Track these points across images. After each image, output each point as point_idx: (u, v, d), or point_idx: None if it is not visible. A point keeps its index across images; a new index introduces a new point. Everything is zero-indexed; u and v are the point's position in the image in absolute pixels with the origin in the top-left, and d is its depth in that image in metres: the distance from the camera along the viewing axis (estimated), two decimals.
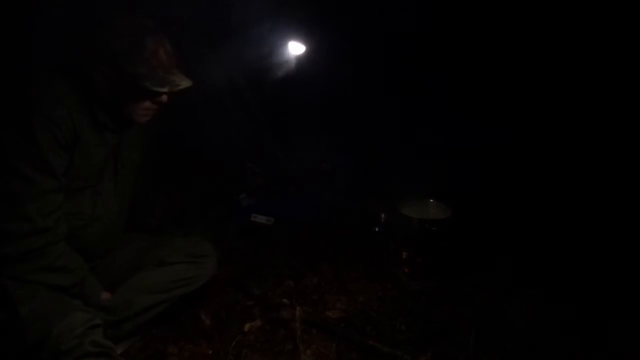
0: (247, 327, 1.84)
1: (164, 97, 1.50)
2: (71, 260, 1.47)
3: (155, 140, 1.86)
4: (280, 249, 2.46)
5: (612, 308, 1.87)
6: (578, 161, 2.45)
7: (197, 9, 2.41)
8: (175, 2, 2.25)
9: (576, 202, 2.38)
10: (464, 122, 2.64)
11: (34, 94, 1.36)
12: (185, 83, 1.50)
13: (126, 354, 1.65)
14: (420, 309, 1.96)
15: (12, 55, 1.80)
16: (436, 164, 2.58)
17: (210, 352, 1.72)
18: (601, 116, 2.37)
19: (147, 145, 1.77)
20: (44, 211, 1.34)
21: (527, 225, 2.37)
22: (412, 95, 2.82)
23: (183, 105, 1.66)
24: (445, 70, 2.72)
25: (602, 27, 2.27)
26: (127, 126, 1.57)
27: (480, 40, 2.65)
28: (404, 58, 2.83)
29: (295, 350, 1.71)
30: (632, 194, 2.24)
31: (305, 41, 2.85)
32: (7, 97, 1.38)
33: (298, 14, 2.74)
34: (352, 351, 1.72)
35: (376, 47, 2.87)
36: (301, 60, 2.92)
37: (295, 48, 2.85)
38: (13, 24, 1.82)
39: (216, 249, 1.90)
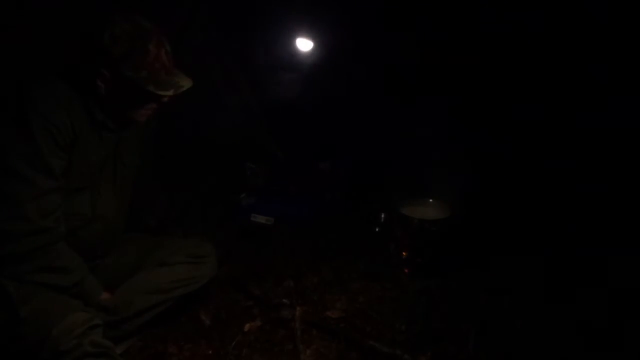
0: (247, 327, 1.84)
1: (166, 98, 1.50)
2: (71, 260, 1.46)
3: (154, 139, 1.86)
4: (280, 249, 2.46)
5: (613, 308, 1.86)
6: (578, 161, 2.45)
7: (197, 8, 2.41)
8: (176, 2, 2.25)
9: (576, 202, 2.38)
10: (463, 124, 2.64)
11: (32, 94, 1.36)
12: (187, 83, 1.51)
13: (126, 354, 1.65)
14: (420, 309, 1.95)
15: (11, 55, 1.79)
16: (436, 164, 2.58)
17: (210, 352, 1.72)
18: (599, 118, 2.37)
19: (146, 145, 1.77)
20: (43, 211, 1.34)
21: (527, 225, 2.37)
22: (412, 95, 2.82)
23: (182, 104, 1.66)
24: (445, 73, 2.72)
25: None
26: (126, 125, 1.57)
27: (482, 43, 2.65)
28: (404, 57, 2.83)
29: (295, 350, 1.71)
30: (629, 193, 2.24)
31: (309, 38, 2.85)
32: (6, 97, 1.38)
33: (300, 11, 2.74)
34: (352, 351, 1.72)
35: (376, 46, 2.87)
36: (302, 58, 2.91)
37: (300, 45, 2.84)
38: (13, 24, 1.82)
39: (216, 249, 1.90)
